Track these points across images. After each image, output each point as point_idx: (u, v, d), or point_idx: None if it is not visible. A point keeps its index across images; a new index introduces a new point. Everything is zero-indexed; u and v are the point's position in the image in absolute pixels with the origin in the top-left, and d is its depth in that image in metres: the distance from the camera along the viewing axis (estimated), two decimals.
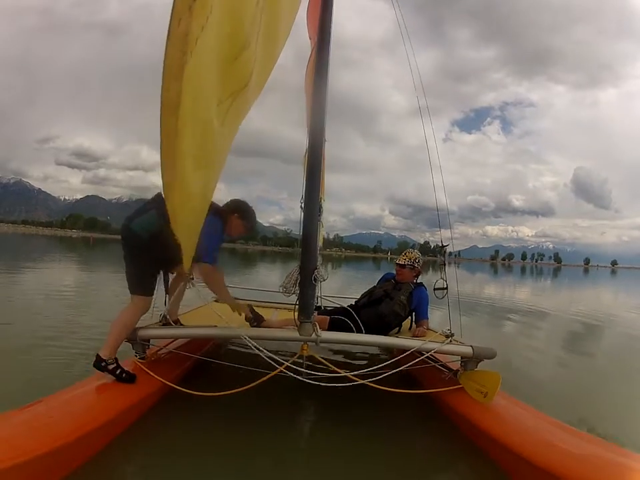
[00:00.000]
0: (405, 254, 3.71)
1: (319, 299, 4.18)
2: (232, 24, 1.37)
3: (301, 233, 2.35)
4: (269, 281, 11.97)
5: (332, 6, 2.40)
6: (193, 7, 1.14)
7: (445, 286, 3.07)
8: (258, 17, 1.51)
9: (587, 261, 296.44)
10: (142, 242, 2.44)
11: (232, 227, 2.80)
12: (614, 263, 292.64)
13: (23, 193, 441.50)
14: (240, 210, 2.83)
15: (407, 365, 2.67)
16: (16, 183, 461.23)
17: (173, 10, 1.13)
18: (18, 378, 2.84)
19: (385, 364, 2.53)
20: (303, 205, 2.36)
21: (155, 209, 2.51)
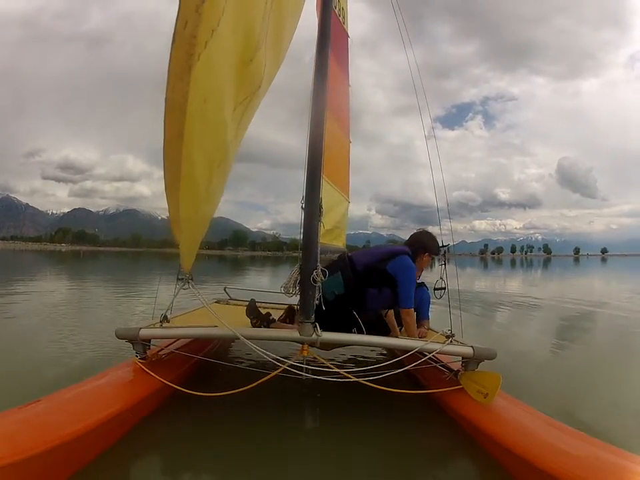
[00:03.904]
0: None
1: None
2: (246, 25, 1.35)
3: (301, 234, 2.35)
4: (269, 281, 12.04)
5: (331, 6, 2.44)
6: (201, 8, 1.07)
7: (444, 286, 3.10)
8: (267, 17, 1.49)
9: (576, 251, 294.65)
10: (327, 303, 2.51)
11: (422, 263, 3.18)
12: (604, 250, 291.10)
13: (11, 208, 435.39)
14: (428, 247, 3.17)
15: (408, 366, 2.66)
16: (3, 199, 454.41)
17: (178, 13, 1.08)
18: (16, 379, 2.90)
19: (385, 364, 2.52)
20: (303, 206, 2.36)
21: (340, 270, 2.87)
